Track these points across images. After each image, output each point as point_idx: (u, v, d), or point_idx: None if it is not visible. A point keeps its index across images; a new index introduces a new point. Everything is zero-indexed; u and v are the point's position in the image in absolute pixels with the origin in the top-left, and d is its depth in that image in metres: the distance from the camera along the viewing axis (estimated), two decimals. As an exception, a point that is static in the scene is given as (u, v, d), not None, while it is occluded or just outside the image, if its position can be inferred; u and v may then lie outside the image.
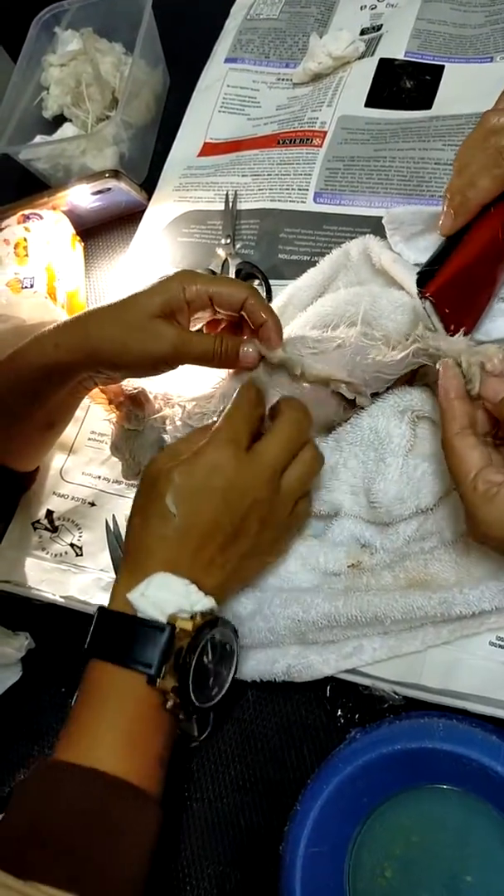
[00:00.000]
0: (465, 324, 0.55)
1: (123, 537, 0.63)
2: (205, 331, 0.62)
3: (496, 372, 0.51)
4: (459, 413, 0.49)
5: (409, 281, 0.61)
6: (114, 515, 0.66)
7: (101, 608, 0.51)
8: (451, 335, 0.53)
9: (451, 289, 0.55)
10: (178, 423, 0.60)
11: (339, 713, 0.55)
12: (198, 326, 0.59)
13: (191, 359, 0.56)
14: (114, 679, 0.49)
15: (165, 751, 0.50)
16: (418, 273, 0.56)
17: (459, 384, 0.50)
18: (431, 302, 0.54)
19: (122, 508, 0.67)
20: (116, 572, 0.62)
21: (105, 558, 0.65)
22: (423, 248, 0.63)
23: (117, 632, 0.49)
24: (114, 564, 0.63)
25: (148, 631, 0.48)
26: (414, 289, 0.59)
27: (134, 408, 0.63)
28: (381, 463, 0.56)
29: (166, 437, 0.60)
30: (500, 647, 0.52)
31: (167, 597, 0.49)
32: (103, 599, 0.62)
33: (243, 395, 0.54)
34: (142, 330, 0.54)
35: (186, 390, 0.62)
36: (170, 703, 0.48)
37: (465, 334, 0.54)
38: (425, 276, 0.55)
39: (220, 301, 0.56)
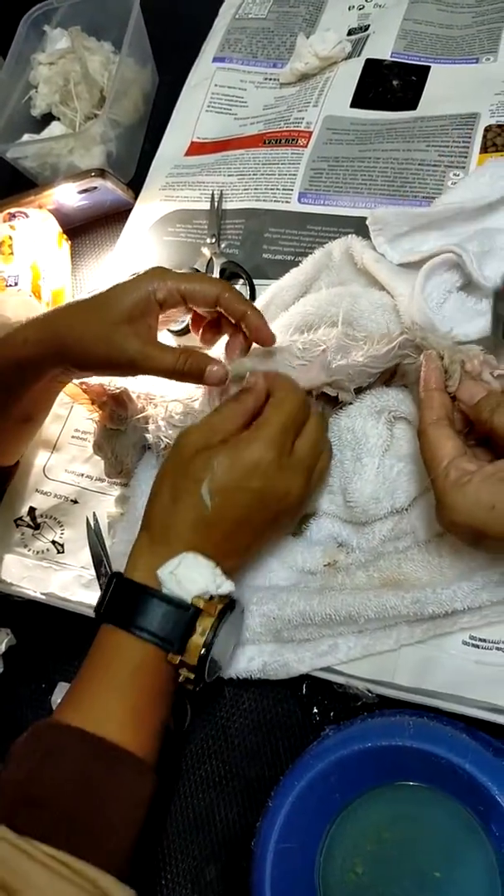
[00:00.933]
0: None
1: (106, 532, 0.65)
2: (191, 328, 0.62)
3: (475, 373, 0.51)
4: (437, 404, 0.50)
5: (391, 281, 0.61)
6: (94, 513, 0.66)
7: (119, 575, 0.52)
8: None
9: None
10: (161, 422, 0.61)
11: (315, 711, 0.56)
12: (176, 326, 0.59)
13: (150, 373, 0.56)
14: (127, 647, 0.50)
15: (163, 724, 0.51)
16: None
17: (440, 377, 0.51)
18: None
19: (104, 506, 0.68)
20: (97, 569, 0.63)
21: (86, 556, 0.65)
22: (408, 250, 0.63)
23: (137, 603, 0.50)
24: (94, 561, 0.64)
25: (170, 608, 0.50)
26: (397, 289, 0.60)
27: (117, 407, 0.63)
28: (357, 462, 0.56)
29: (149, 436, 0.61)
30: (473, 646, 0.53)
31: (196, 578, 0.50)
32: (84, 596, 0.63)
33: (292, 398, 0.53)
34: (105, 338, 0.55)
35: (169, 390, 0.62)
36: (182, 678, 0.50)
37: None
38: None
39: (193, 298, 0.56)
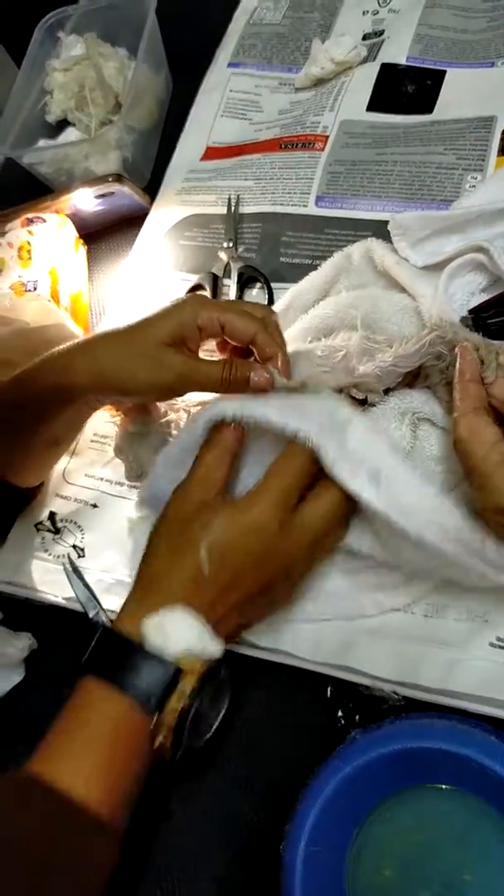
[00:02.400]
0: None
1: (126, 537, 0.65)
2: (217, 348, 0.62)
3: None
4: (474, 394, 0.50)
5: (412, 283, 0.61)
6: (68, 555, 0.66)
7: (104, 628, 0.50)
8: None
9: None
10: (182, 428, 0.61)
11: (340, 714, 0.56)
12: (206, 348, 0.59)
13: (198, 387, 0.56)
14: (106, 701, 0.48)
15: (137, 786, 0.49)
16: None
17: (476, 368, 0.51)
18: None
19: (123, 510, 0.68)
20: (85, 607, 0.60)
21: (108, 559, 0.65)
22: (430, 252, 0.63)
23: (120, 656, 0.48)
24: (79, 601, 0.60)
25: (154, 664, 0.47)
26: (417, 290, 0.60)
27: (139, 412, 0.63)
28: (381, 464, 0.56)
29: (171, 440, 0.61)
30: (500, 647, 0.52)
31: (181, 635, 0.48)
32: (105, 601, 0.63)
33: (297, 455, 0.52)
34: (149, 357, 0.54)
35: (192, 395, 0.62)
36: (159, 739, 0.47)
37: None
38: None
39: (231, 332, 0.56)
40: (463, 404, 0.50)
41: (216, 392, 0.56)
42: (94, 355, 0.55)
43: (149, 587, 0.51)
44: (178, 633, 0.47)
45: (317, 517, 0.52)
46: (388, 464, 0.51)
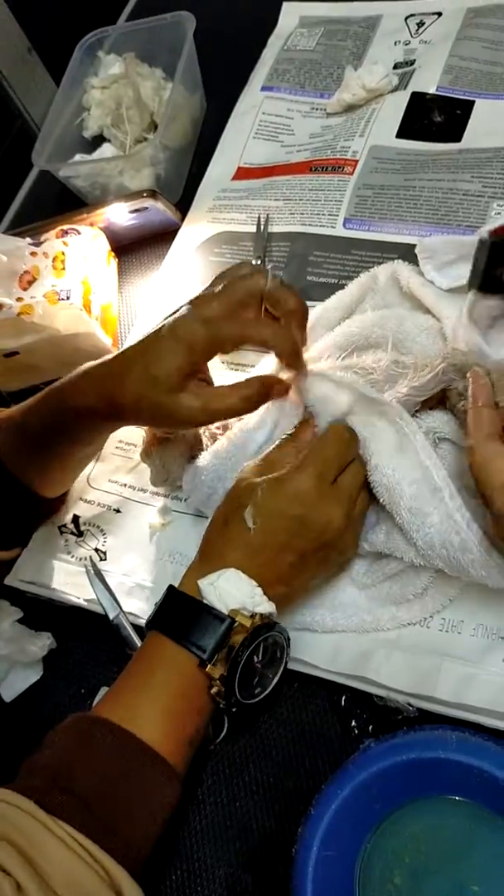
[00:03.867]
0: None
1: (149, 540, 0.67)
2: None
3: None
4: (487, 420, 0.51)
5: (438, 305, 0.63)
6: (90, 557, 0.68)
7: (170, 587, 0.55)
8: None
9: None
10: (214, 432, 0.62)
11: (354, 723, 0.57)
12: None
13: (221, 419, 0.60)
14: (168, 654, 0.52)
15: (197, 734, 0.53)
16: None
17: (488, 393, 0.52)
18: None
19: (145, 516, 0.69)
20: (106, 609, 0.64)
21: (129, 562, 0.67)
22: (456, 277, 0.65)
23: (181, 612, 0.53)
24: (100, 603, 0.64)
25: (209, 618, 0.52)
26: (442, 312, 0.61)
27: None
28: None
29: (205, 441, 0.62)
30: (514, 664, 0.53)
31: (234, 592, 0.52)
32: (126, 604, 0.64)
33: (342, 433, 0.56)
34: (166, 412, 0.56)
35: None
36: (214, 689, 0.51)
37: None
38: None
39: (248, 340, 0.57)
40: (477, 432, 0.51)
41: (245, 414, 0.59)
42: (123, 403, 0.56)
43: (206, 555, 0.55)
44: (231, 591, 0.51)
45: (351, 483, 0.55)
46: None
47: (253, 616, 0.52)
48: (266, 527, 0.53)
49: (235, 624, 0.51)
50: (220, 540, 0.55)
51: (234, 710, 0.52)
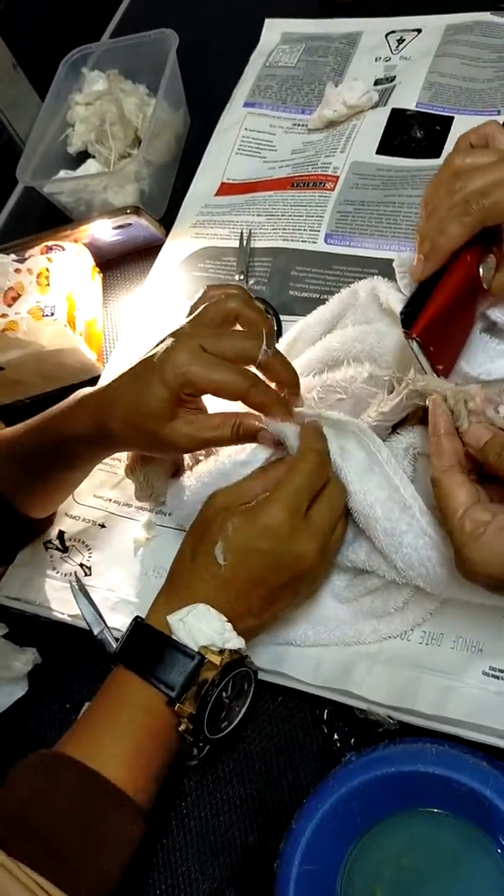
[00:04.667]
0: (448, 360, 0.57)
1: (133, 555, 0.67)
2: None
3: (478, 411, 0.52)
4: (448, 450, 0.50)
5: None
6: (75, 573, 0.68)
7: (138, 619, 0.54)
8: (439, 374, 0.55)
9: (434, 328, 0.56)
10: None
11: (336, 737, 0.57)
12: None
13: (211, 446, 0.60)
14: (134, 690, 0.52)
15: (163, 770, 0.52)
16: (402, 314, 0.56)
17: (448, 421, 0.51)
18: (418, 342, 0.55)
19: (130, 530, 0.70)
20: (90, 624, 0.63)
21: (113, 578, 0.67)
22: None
23: (148, 647, 0.52)
24: (84, 619, 0.63)
25: (178, 654, 0.51)
26: None
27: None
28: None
29: (186, 460, 0.63)
30: (494, 676, 0.54)
31: (203, 628, 0.51)
32: (110, 619, 0.64)
33: (310, 460, 0.54)
34: (157, 441, 0.56)
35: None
36: (182, 727, 0.51)
37: (449, 370, 0.56)
38: (409, 318, 0.57)
39: (218, 394, 0.56)
40: (437, 463, 0.50)
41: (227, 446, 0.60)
42: (111, 431, 0.57)
43: (175, 586, 0.55)
44: (201, 628, 0.51)
45: (324, 516, 0.54)
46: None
47: (222, 652, 0.51)
48: (237, 562, 0.52)
49: (205, 661, 0.51)
50: (189, 573, 0.54)
51: (200, 744, 0.52)
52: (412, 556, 0.53)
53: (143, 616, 0.55)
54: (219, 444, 0.59)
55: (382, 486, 0.54)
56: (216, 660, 0.51)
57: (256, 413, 0.57)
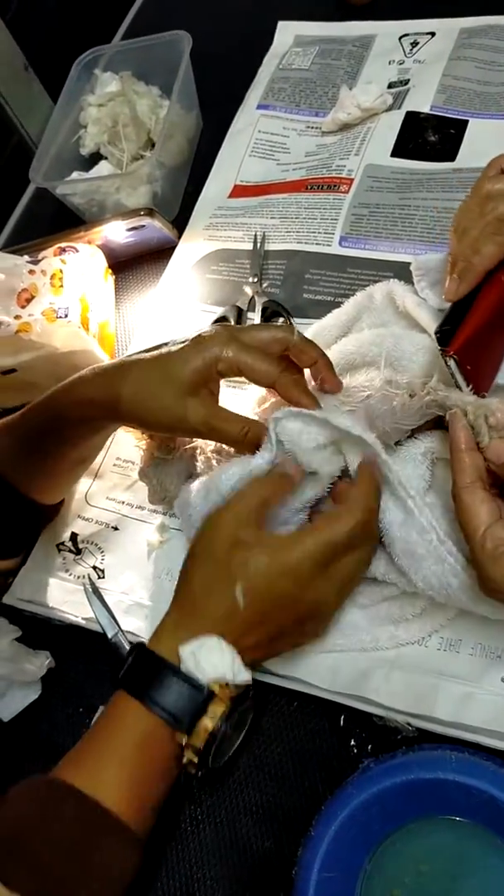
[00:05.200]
0: (486, 379, 0.57)
1: (146, 558, 0.67)
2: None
3: (499, 426, 0.51)
4: (469, 466, 0.49)
5: (432, 324, 0.63)
6: (88, 575, 0.68)
7: (143, 647, 0.53)
8: (474, 392, 0.55)
9: (471, 347, 0.56)
10: (209, 454, 0.62)
11: (353, 743, 0.57)
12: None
13: (216, 440, 0.59)
14: (138, 718, 0.50)
15: (162, 799, 0.51)
16: (437, 332, 0.57)
17: (468, 436, 0.51)
18: (455, 360, 0.55)
19: (143, 533, 0.69)
20: (104, 628, 0.62)
21: (127, 580, 0.67)
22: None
23: (155, 676, 0.51)
24: (98, 622, 0.62)
25: (187, 687, 0.50)
26: None
27: (164, 437, 0.65)
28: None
29: (198, 464, 0.62)
30: (512, 683, 0.54)
31: (215, 662, 0.50)
32: (124, 622, 0.64)
33: (360, 517, 0.52)
34: (171, 410, 0.56)
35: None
36: (186, 759, 0.50)
37: (487, 389, 0.57)
38: (445, 336, 0.57)
39: (250, 377, 0.57)
40: (458, 479, 0.50)
41: (229, 446, 0.59)
42: (118, 394, 0.57)
43: (186, 613, 0.53)
44: (213, 662, 0.50)
45: (352, 569, 0.53)
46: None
47: (229, 685, 0.50)
48: (255, 601, 0.51)
49: (214, 695, 0.50)
50: (202, 600, 0.53)
51: (199, 774, 0.51)
52: (431, 579, 0.52)
53: (147, 639, 0.54)
54: (223, 438, 0.58)
55: (399, 507, 0.54)
56: (224, 694, 0.50)
57: (264, 426, 0.56)
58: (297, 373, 0.59)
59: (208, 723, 0.49)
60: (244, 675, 0.51)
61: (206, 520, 0.54)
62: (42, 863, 0.45)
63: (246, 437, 0.56)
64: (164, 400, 0.56)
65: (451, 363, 0.55)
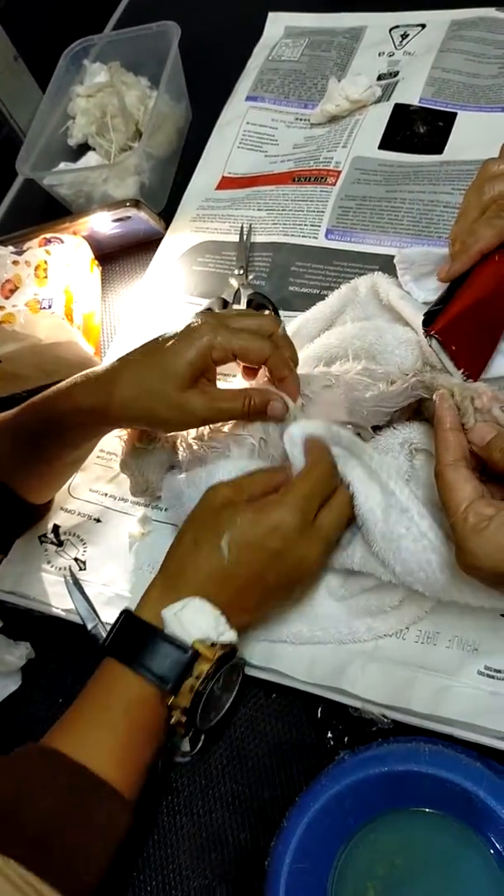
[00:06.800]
0: (476, 362, 0.57)
1: (128, 550, 0.67)
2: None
3: (484, 409, 0.52)
4: (453, 444, 0.50)
5: (416, 317, 0.63)
6: (69, 567, 0.68)
7: (128, 612, 0.54)
8: (464, 375, 0.56)
9: (458, 327, 0.57)
10: (190, 443, 0.62)
11: (329, 735, 0.57)
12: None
13: (220, 421, 0.59)
14: (125, 683, 0.51)
15: (150, 762, 0.52)
16: (425, 313, 0.58)
17: (454, 416, 0.52)
18: (438, 340, 0.56)
19: (125, 525, 0.69)
20: (84, 619, 0.63)
21: (108, 572, 0.67)
22: (433, 289, 0.65)
23: (141, 640, 0.52)
24: (78, 613, 0.64)
25: (170, 648, 0.51)
26: (420, 325, 0.61)
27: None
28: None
29: (181, 454, 0.62)
30: (489, 676, 0.53)
31: (198, 622, 0.51)
32: (104, 614, 0.64)
33: (321, 467, 0.55)
34: (173, 405, 0.56)
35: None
36: (174, 720, 0.51)
37: (477, 373, 0.57)
38: (431, 316, 0.57)
39: (244, 357, 0.58)
40: (442, 457, 0.50)
41: (238, 420, 0.60)
42: (121, 399, 0.57)
43: (172, 576, 0.54)
44: (196, 622, 0.51)
45: (331, 522, 0.54)
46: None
47: (215, 645, 0.51)
48: (241, 557, 0.52)
49: (199, 655, 0.50)
50: (189, 561, 0.54)
51: (190, 736, 0.52)
52: (410, 561, 0.52)
53: (134, 608, 0.55)
54: (231, 416, 0.58)
55: (377, 491, 0.54)
56: (209, 653, 0.51)
57: (265, 389, 0.58)
58: (287, 350, 0.59)
59: (193, 682, 0.50)
60: (229, 635, 0.52)
61: (204, 492, 0.56)
62: (35, 829, 0.46)
63: (251, 407, 0.57)
64: (166, 398, 0.56)
65: (434, 343, 0.55)
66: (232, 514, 0.53)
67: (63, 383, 0.60)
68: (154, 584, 0.55)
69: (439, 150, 0.81)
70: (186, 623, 0.51)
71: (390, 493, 0.53)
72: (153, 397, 0.56)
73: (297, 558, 0.53)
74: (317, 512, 0.54)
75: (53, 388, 0.61)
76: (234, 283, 0.78)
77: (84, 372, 0.60)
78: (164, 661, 0.51)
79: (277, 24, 0.99)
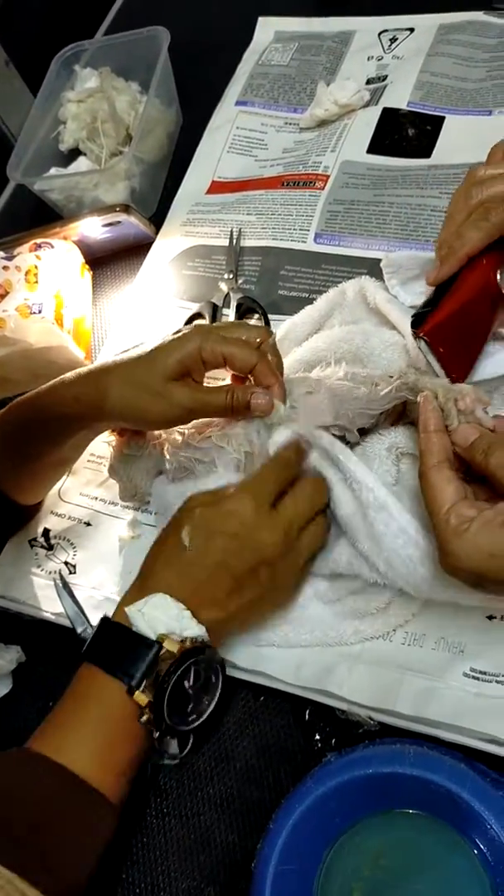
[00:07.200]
0: (463, 364, 0.58)
1: (118, 553, 0.67)
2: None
3: (467, 410, 0.53)
4: (437, 446, 0.51)
5: (402, 321, 0.64)
6: (59, 571, 0.68)
7: (104, 617, 0.54)
8: (450, 378, 0.56)
9: (446, 329, 0.57)
10: (176, 450, 0.62)
11: (317, 737, 0.57)
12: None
13: (206, 416, 0.60)
14: (99, 684, 0.52)
15: (133, 764, 0.52)
16: (413, 315, 0.58)
17: (438, 418, 0.52)
18: (425, 342, 0.57)
19: (116, 529, 0.70)
20: (73, 623, 0.64)
21: (98, 576, 0.67)
22: (419, 293, 0.66)
23: (112, 641, 0.53)
24: (68, 617, 0.64)
25: (137, 645, 0.51)
26: (406, 328, 0.62)
27: (133, 433, 0.65)
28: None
29: (167, 458, 0.63)
30: (474, 678, 0.54)
31: (161, 617, 0.52)
32: (94, 617, 0.64)
33: (281, 454, 0.57)
34: (158, 395, 0.57)
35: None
36: (144, 717, 0.51)
37: (464, 375, 0.57)
38: (420, 318, 0.58)
39: (232, 364, 0.59)
40: (426, 458, 0.51)
41: (223, 417, 0.60)
42: (104, 389, 0.58)
43: (142, 576, 0.56)
44: (159, 616, 0.51)
45: (289, 509, 0.55)
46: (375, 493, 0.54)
47: (183, 641, 0.51)
48: (201, 545, 0.54)
49: (163, 650, 0.51)
50: (157, 560, 0.55)
51: (170, 736, 0.52)
52: (393, 557, 0.53)
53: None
54: (214, 411, 0.59)
55: (359, 489, 0.55)
56: (174, 648, 0.51)
57: (248, 386, 0.59)
58: (274, 361, 0.60)
59: (154, 677, 0.50)
60: (194, 629, 0.52)
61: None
62: (17, 832, 0.46)
63: (234, 400, 0.58)
64: (151, 388, 0.57)
65: (422, 345, 0.56)
66: (192, 510, 0.55)
67: (51, 381, 0.61)
68: (131, 587, 0.56)
69: (427, 154, 0.81)
70: (150, 618, 0.51)
71: (369, 490, 0.54)
72: (138, 386, 0.57)
73: (256, 542, 0.54)
74: (277, 499, 0.55)
75: (41, 387, 0.61)
76: (224, 287, 0.79)
77: (74, 370, 0.61)
78: (134, 661, 0.51)
79: (267, 28, 0.99)
